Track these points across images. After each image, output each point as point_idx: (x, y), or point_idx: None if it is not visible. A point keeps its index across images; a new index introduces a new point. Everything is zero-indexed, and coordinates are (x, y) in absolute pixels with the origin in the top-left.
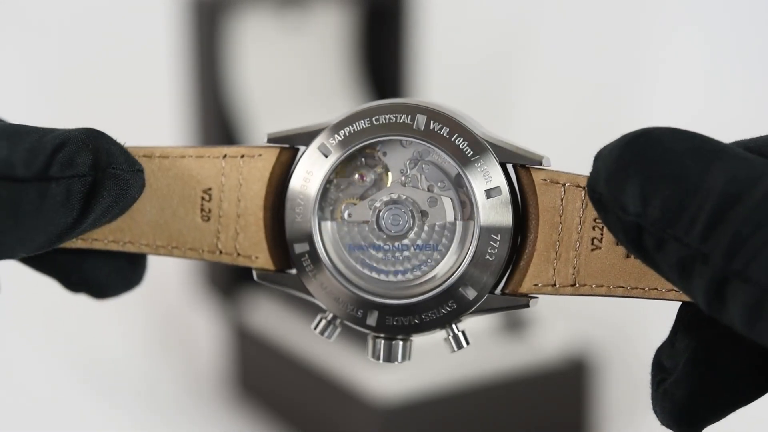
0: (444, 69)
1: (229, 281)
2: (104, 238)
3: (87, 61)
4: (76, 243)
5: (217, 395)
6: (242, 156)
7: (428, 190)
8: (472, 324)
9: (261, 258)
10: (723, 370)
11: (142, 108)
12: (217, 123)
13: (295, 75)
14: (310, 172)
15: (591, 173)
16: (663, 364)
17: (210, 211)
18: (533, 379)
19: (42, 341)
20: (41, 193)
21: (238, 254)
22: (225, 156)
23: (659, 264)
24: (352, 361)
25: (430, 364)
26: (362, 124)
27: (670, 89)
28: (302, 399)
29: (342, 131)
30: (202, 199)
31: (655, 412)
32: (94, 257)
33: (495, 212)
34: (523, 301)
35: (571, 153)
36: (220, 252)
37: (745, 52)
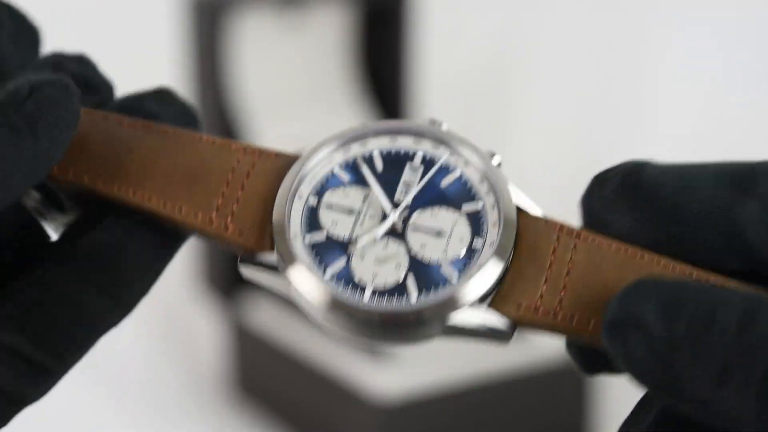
0: (443, 70)
1: (229, 281)
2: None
3: None
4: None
5: (217, 395)
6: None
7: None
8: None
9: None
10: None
11: None
12: (217, 123)
13: (295, 75)
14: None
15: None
16: None
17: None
18: (533, 379)
19: None
20: None
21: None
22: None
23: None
24: (352, 360)
25: (429, 363)
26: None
27: (668, 96)
28: (302, 399)
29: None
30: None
31: None
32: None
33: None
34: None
35: (567, 161)
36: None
37: (743, 89)
